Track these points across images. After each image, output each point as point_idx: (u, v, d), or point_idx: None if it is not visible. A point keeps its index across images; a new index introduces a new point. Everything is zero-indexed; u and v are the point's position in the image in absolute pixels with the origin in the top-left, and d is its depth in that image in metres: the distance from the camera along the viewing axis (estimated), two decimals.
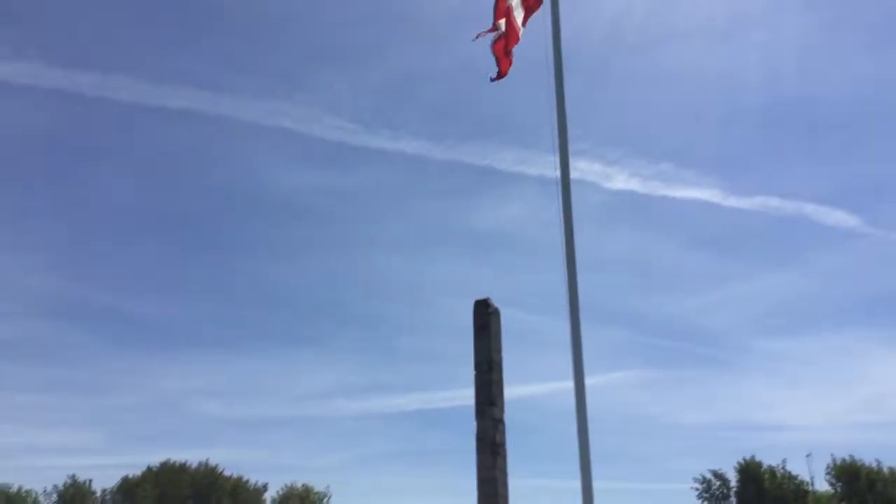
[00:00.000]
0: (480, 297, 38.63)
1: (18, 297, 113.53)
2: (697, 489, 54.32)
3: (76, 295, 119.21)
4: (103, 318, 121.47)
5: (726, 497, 53.93)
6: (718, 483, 54.18)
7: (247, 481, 64.56)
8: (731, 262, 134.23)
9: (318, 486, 73.56)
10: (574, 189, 19.81)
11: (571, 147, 19.10)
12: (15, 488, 56.44)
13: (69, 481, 62.49)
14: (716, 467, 55.40)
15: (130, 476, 61.27)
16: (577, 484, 17.66)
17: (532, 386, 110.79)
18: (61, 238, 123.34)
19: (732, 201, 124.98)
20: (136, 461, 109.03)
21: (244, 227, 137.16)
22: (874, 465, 52.02)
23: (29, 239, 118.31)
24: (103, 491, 62.43)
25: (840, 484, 52.30)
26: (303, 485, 72.83)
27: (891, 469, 51.45)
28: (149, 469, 61.72)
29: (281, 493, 71.21)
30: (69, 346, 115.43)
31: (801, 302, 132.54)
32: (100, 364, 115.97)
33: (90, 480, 63.49)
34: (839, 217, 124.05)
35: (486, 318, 38.32)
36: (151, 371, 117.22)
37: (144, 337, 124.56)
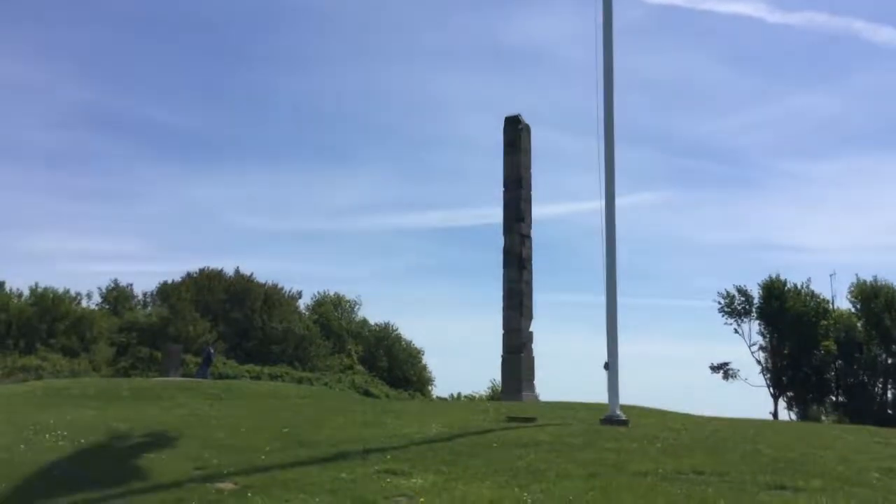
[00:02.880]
0: (510, 114, 37.33)
1: (53, 107, 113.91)
2: (720, 303, 55.27)
3: (111, 105, 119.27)
4: (139, 129, 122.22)
5: (748, 313, 54.86)
6: (742, 299, 54.98)
7: (281, 288, 66.98)
8: (770, 80, 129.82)
9: (349, 296, 76.55)
10: (612, 1, 18.66)
11: None
12: (61, 290, 58.93)
13: (111, 285, 65.30)
14: (739, 284, 56.18)
15: (169, 281, 63.83)
16: (600, 299, 18.02)
17: (559, 205, 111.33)
18: (93, 47, 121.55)
19: (778, 16, 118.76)
20: (174, 269, 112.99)
21: (277, 38, 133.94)
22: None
23: (59, 48, 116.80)
24: (144, 294, 65.33)
25: (860, 303, 53.00)
26: (335, 293, 75.71)
27: None
28: (187, 275, 64.09)
29: (314, 300, 74.20)
30: (106, 156, 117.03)
31: (835, 123, 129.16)
32: (137, 174, 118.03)
33: (131, 284, 66.34)
34: (888, 34, 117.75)
35: (516, 134, 37.70)
36: (188, 182, 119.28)
37: (180, 148, 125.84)
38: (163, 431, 14.32)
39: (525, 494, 9.12)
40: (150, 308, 61.33)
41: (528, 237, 32.54)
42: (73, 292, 59.65)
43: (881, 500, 9.16)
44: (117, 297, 64.20)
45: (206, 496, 9.23)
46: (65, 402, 21.22)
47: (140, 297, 65.32)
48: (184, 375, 37.79)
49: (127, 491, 9.47)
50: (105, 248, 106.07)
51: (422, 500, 9.03)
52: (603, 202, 18.28)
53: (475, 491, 9.36)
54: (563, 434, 14.38)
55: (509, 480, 9.98)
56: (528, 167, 32.90)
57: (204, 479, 10.09)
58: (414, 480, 10.09)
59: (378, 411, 19.45)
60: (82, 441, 13.27)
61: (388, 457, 11.75)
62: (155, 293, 63.47)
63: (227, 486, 9.82)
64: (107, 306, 63.17)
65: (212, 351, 42.27)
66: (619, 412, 17.15)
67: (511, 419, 17.43)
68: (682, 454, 12.09)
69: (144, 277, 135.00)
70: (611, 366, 17.67)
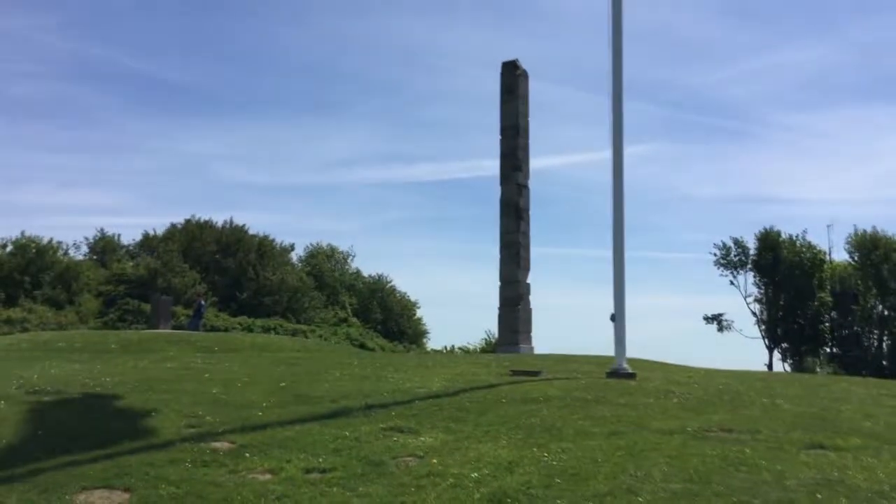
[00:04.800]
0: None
1: (38, 57, 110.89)
2: (715, 255, 54.88)
3: (96, 56, 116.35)
4: (125, 81, 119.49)
5: (743, 265, 54.56)
6: (738, 250, 54.58)
7: (273, 240, 66.01)
8: (764, 31, 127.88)
9: (342, 248, 75.79)
10: None
11: None
12: (45, 241, 57.77)
13: (98, 235, 64.19)
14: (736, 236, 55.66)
15: (156, 232, 62.66)
16: (594, 252, 17.58)
17: (551, 158, 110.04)
18: None
19: None
20: (164, 222, 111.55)
21: None
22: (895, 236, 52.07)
23: None
24: (130, 245, 64.18)
25: (857, 254, 52.65)
26: (328, 245, 74.92)
27: None
28: (171, 225, 62.81)
29: (307, 252, 73.37)
30: (93, 107, 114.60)
31: (829, 75, 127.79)
32: (124, 127, 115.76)
33: (119, 235, 65.25)
34: None
35: (513, 79, 36.41)
36: (175, 135, 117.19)
37: (167, 100, 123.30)
38: (153, 386, 13.61)
39: (545, 454, 8.47)
40: (138, 259, 60.29)
41: (526, 187, 31.67)
42: (58, 242, 58.54)
43: None
44: (104, 247, 63.14)
45: (200, 456, 8.55)
46: (50, 355, 20.47)
47: (129, 247, 64.26)
48: (174, 328, 37.09)
49: (115, 451, 8.76)
50: (93, 201, 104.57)
51: (434, 460, 8.37)
52: (611, 154, 17.70)
53: (490, 451, 8.71)
54: (572, 388, 13.78)
55: (525, 439, 9.33)
56: (526, 115, 31.87)
57: (197, 438, 9.40)
58: (422, 439, 9.44)
59: (376, 365, 18.82)
60: (68, 397, 12.56)
61: (393, 413, 11.10)
62: (140, 244, 62.31)
63: (222, 445, 9.14)
64: (94, 257, 62.15)
65: (203, 303, 41.54)
66: (625, 365, 16.62)
67: (515, 373, 16.83)
68: (703, 410, 11.49)
69: (133, 230, 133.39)
70: (617, 317, 17.08)
